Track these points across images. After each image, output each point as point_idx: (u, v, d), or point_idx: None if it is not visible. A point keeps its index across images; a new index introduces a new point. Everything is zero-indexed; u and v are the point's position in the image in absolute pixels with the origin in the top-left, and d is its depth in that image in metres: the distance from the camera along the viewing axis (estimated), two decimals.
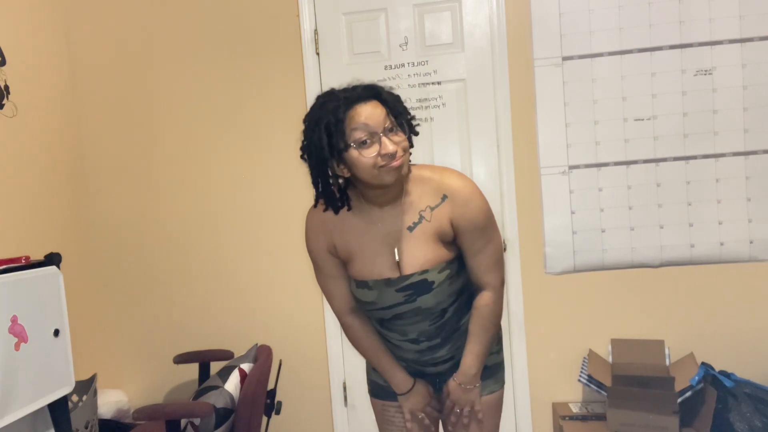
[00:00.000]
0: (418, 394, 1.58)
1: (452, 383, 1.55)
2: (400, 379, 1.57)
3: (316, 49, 2.65)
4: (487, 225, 1.47)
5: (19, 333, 1.61)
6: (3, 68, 2.30)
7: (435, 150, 2.61)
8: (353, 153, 1.33)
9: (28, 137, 2.42)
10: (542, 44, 2.53)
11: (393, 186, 1.41)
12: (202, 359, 2.48)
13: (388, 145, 1.33)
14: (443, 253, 1.45)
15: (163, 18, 2.73)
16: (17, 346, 1.61)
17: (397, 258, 1.43)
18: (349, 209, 1.46)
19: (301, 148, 1.40)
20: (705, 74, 2.46)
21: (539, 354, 2.59)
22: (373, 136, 1.33)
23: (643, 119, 2.50)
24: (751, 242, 2.48)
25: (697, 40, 2.46)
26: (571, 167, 2.55)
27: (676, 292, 2.52)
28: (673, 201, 2.50)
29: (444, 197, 1.44)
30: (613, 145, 2.52)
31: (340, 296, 1.56)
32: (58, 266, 1.81)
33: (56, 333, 1.75)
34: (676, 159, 2.49)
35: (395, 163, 1.34)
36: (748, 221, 2.47)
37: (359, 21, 2.63)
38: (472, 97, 2.58)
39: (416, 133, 1.45)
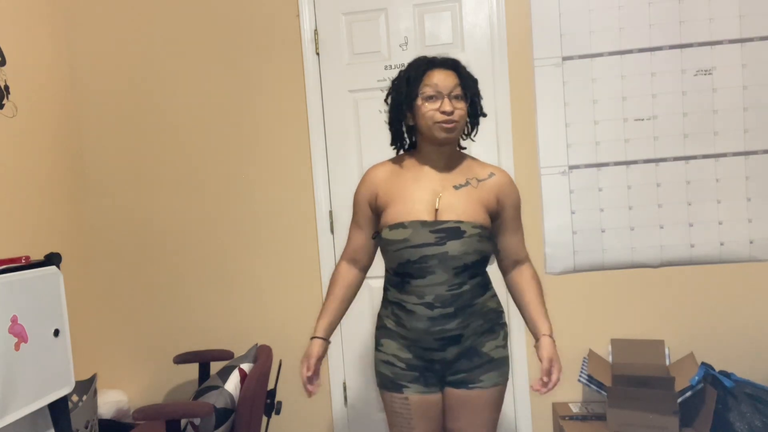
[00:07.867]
0: (318, 345, 1.67)
1: (546, 339, 1.64)
2: (320, 325, 1.69)
3: (316, 49, 2.65)
4: (520, 210, 1.74)
5: (19, 333, 1.61)
6: (3, 68, 2.30)
7: None
8: (419, 103, 1.60)
9: (28, 137, 2.43)
10: (542, 44, 2.53)
11: (444, 149, 1.64)
12: (202, 359, 2.48)
13: (447, 105, 1.57)
14: (482, 216, 1.62)
15: (163, 18, 2.73)
16: (17, 346, 1.61)
17: (437, 206, 1.60)
18: (408, 148, 1.74)
19: (387, 93, 1.70)
20: (705, 74, 2.46)
21: None
22: (439, 95, 1.58)
23: (643, 119, 2.50)
24: (751, 242, 2.48)
25: (697, 40, 2.46)
26: (571, 167, 2.55)
27: (676, 292, 2.53)
28: (673, 201, 2.50)
29: (491, 174, 1.67)
30: (613, 145, 2.52)
31: (353, 242, 1.76)
32: (58, 266, 1.81)
33: (56, 333, 1.75)
34: (676, 159, 2.50)
35: (449, 125, 1.58)
36: (748, 221, 2.47)
37: (359, 21, 2.63)
38: None
39: (484, 114, 1.69)
